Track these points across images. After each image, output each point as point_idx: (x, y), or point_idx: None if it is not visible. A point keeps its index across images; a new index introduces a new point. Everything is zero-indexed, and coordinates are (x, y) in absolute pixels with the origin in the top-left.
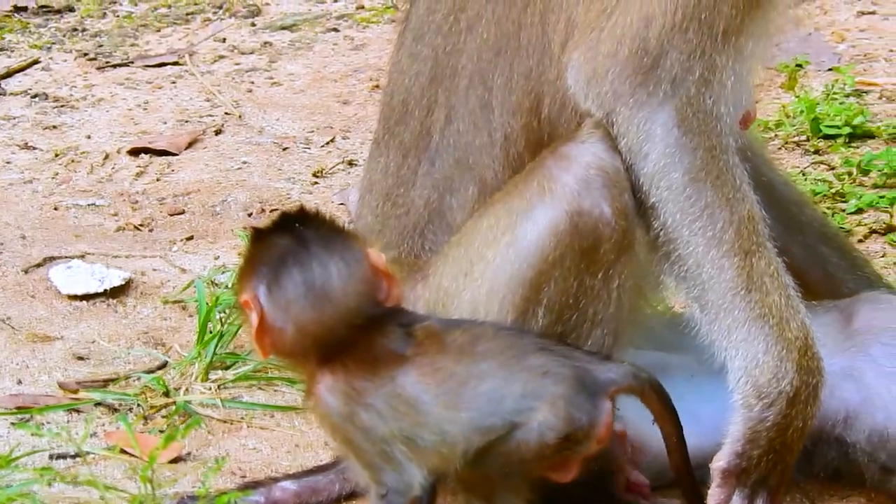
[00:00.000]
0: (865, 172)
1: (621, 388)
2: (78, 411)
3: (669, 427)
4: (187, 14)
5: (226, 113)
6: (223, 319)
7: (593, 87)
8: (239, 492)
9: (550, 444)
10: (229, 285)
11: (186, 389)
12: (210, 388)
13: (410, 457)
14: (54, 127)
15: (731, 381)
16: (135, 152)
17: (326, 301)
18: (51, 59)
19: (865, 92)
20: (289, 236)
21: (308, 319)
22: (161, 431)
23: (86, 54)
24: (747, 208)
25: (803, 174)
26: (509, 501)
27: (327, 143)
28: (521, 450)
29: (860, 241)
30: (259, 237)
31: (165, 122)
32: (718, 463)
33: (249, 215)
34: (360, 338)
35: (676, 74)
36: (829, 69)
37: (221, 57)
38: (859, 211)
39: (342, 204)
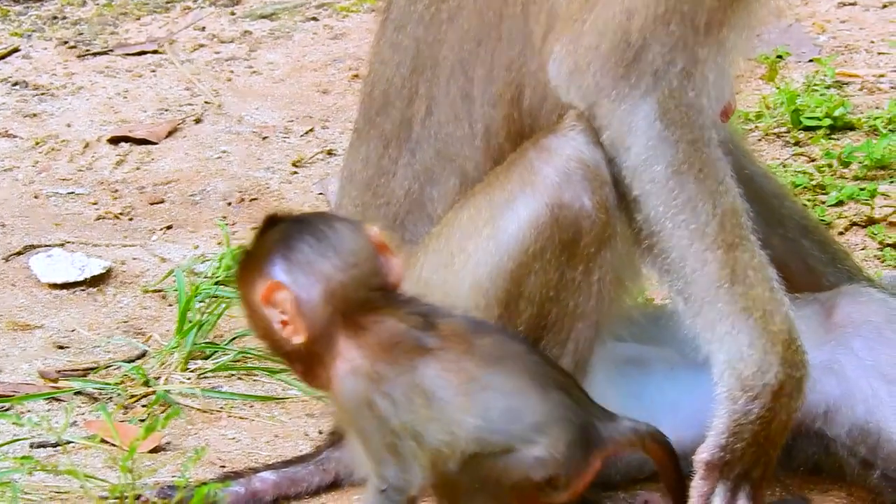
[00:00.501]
0: (846, 164)
1: (620, 446)
2: (58, 400)
3: (670, 474)
4: (167, 2)
5: (205, 102)
6: (203, 309)
7: (575, 79)
8: (219, 483)
9: (533, 479)
10: (227, 286)
11: (166, 379)
12: (190, 378)
13: (416, 454)
14: (34, 115)
15: (715, 375)
16: (115, 141)
17: (343, 257)
18: (31, 46)
19: (846, 83)
20: (284, 225)
21: (332, 280)
22: (141, 421)
23: (66, 42)
24: (730, 201)
25: (784, 166)
26: None
27: (307, 132)
28: (505, 472)
29: (841, 233)
30: (255, 239)
31: (145, 111)
32: (702, 455)
33: (229, 204)
34: (381, 319)
35: (658, 67)
36: (810, 60)
37: (201, 46)
38: (840, 203)
39: (321, 194)
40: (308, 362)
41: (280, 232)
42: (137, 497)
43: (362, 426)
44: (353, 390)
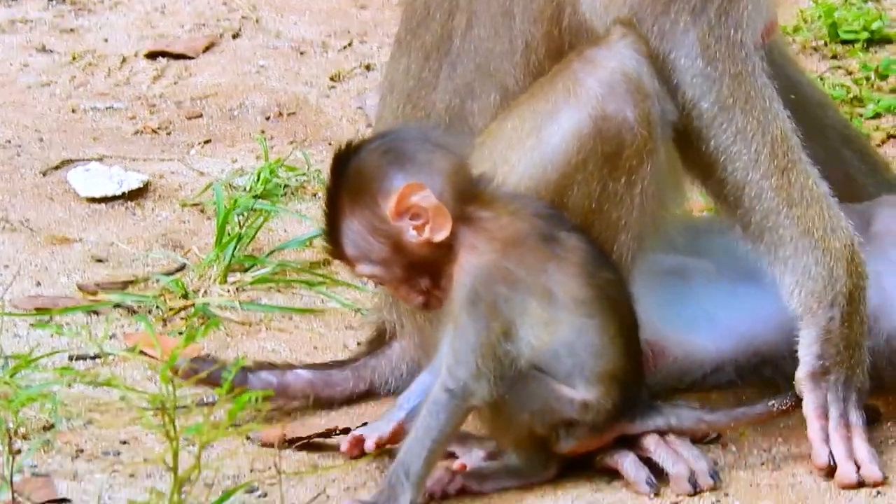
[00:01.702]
0: (883, 77)
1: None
2: (97, 313)
3: None
4: None
5: (242, 17)
6: (241, 222)
7: (612, 12)
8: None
9: (567, 417)
10: (265, 199)
11: (205, 292)
12: (228, 291)
13: (494, 367)
14: (71, 30)
15: (784, 296)
16: (152, 56)
17: (447, 150)
18: None
19: None
20: (374, 144)
21: (449, 172)
22: (180, 333)
23: None
24: (780, 126)
25: (821, 79)
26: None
27: (344, 47)
28: (551, 400)
29: (878, 145)
30: (342, 172)
31: (183, 26)
32: (804, 370)
33: (267, 119)
34: (500, 216)
35: (696, 4)
36: None
37: None
38: (877, 116)
39: (360, 108)
40: (434, 268)
41: (377, 149)
42: (177, 406)
43: (466, 322)
44: (475, 283)
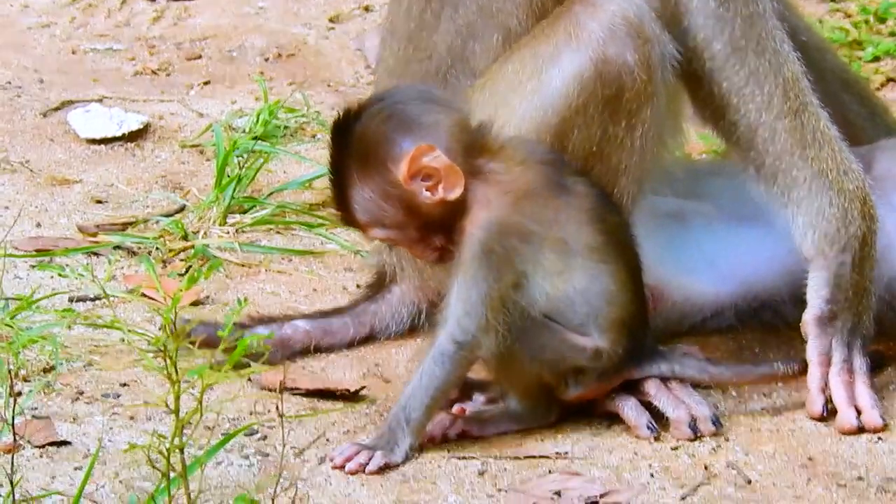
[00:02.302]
0: (882, 20)
1: (642, 376)
2: (97, 254)
3: None
4: None
5: None
6: (241, 164)
7: None
8: (249, 328)
9: (578, 363)
10: (265, 140)
11: (205, 233)
12: (228, 233)
13: (502, 318)
14: None
15: (797, 237)
16: None
17: (449, 107)
18: None
19: None
20: (377, 107)
21: (455, 128)
22: (180, 275)
23: None
24: (791, 68)
25: (820, 22)
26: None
27: None
28: (563, 347)
29: (877, 88)
30: (346, 137)
31: None
32: (811, 313)
33: (266, 60)
34: (509, 167)
35: None
36: None
37: None
38: (876, 59)
39: (358, 49)
40: (448, 225)
41: (379, 115)
42: (179, 348)
43: (476, 274)
44: (489, 237)
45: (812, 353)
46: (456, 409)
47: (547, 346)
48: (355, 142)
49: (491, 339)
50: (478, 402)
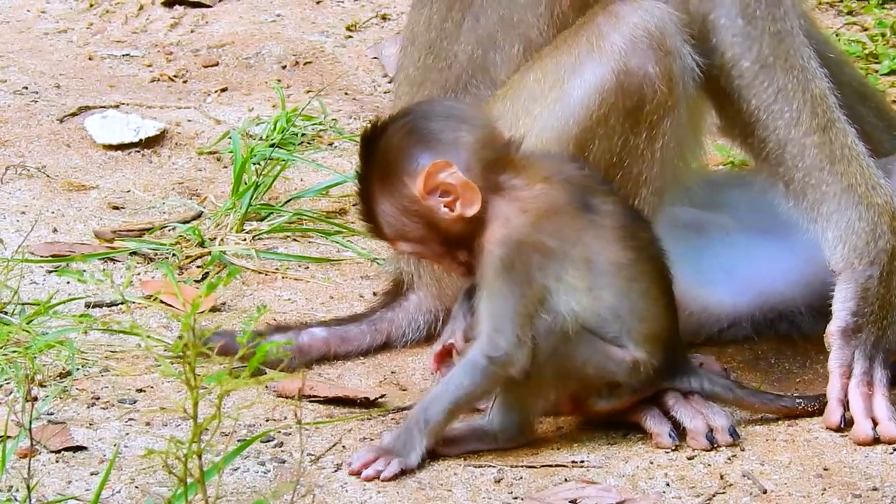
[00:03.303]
0: None
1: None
2: (113, 260)
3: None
4: None
5: None
6: (258, 171)
7: None
8: (282, 341)
9: (614, 378)
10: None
11: (221, 240)
12: (245, 240)
13: (530, 335)
14: None
15: (827, 251)
16: (169, 4)
17: (471, 123)
18: None
19: None
20: (398, 124)
21: (475, 145)
22: (196, 282)
23: None
24: (819, 85)
25: (836, 35)
26: (536, 404)
27: None
28: (596, 361)
29: (893, 101)
30: (371, 152)
31: None
32: (836, 325)
33: (283, 67)
34: (533, 183)
35: None
36: None
37: None
38: (892, 72)
39: (375, 58)
40: (470, 240)
41: (400, 130)
42: (198, 354)
43: (500, 290)
44: (506, 253)
45: (834, 364)
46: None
47: (589, 360)
48: (379, 155)
49: (524, 356)
50: None
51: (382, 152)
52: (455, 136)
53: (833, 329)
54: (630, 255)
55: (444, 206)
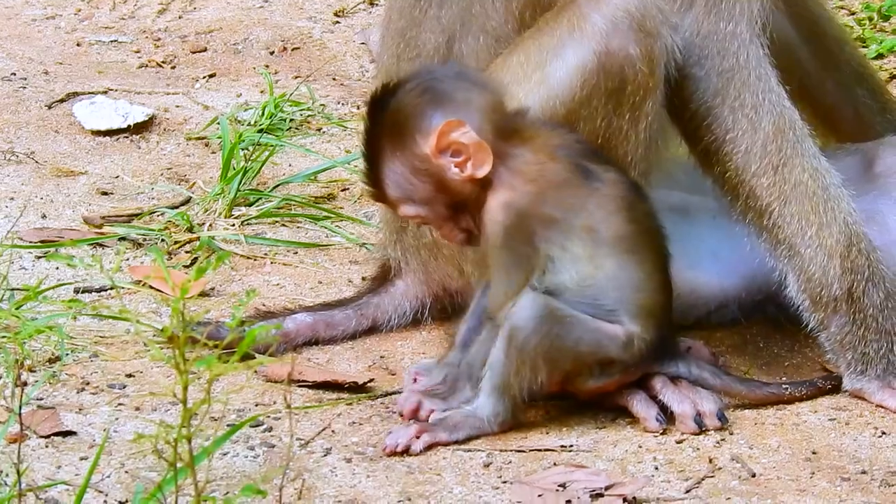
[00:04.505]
0: (886, 18)
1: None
2: (102, 245)
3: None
4: None
5: None
6: (247, 156)
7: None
8: (272, 325)
9: (607, 354)
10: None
11: (210, 225)
12: (234, 225)
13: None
14: None
15: (795, 300)
16: None
17: (481, 86)
18: None
19: None
20: (410, 84)
21: (486, 107)
22: (185, 267)
23: None
24: (773, 121)
25: None
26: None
27: None
28: (590, 336)
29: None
30: (379, 113)
31: None
32: (846, 382)
33: (271, 53)
34: (538, 152)
35: (682, 2)
36: None
37: None
38: (880, 56)
39: (363, 43)
40: (476, 206)
41: (413, 90)
42: (188, 339)
43: (502, 258)
44: (507, 222)
45: (874, 399)
46: (425, 411)
47: (582, 338)
48: (389, 115)
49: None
50: (439, 407)
51: (394, 111)
52: (467, 97)
53: (847, 387)
54: (630, 226)
55: (455, 167)
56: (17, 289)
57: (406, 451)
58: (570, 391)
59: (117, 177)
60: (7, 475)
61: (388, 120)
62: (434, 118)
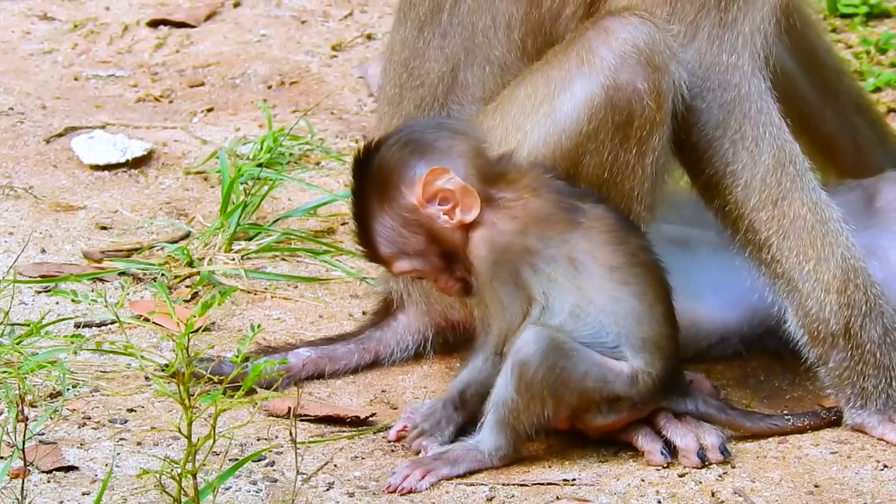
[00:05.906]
0: (883, 51)
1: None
2: (102, 280)
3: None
4: None
5: None
6: (246, 190)
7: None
8: (276, 360)
9: (613, 390)
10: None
11: (210, 260)
12: (234, 259)
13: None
14: None
15: (792, 330)
16: (153, 24)
17: (464, 134)
18: None
19: None
20: (394, 139)
21: (470, 155)
22: (185, 301)
23: None
24: (773, 154)
25: None
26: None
27: (345, 16)
28: (594, 372)
29: None
30: (364, 169)
31: None
32: (847, 418)
33: (269, 88)
34: (523, 194)
35: (685, 33)
36: None
37: None
38: (877, 90)
39: (361, 77)
40: (464, 250)
41: (395, 144)
42: (191, 374)
43: (501, 296)
44: (491, 255)
45: (876, 433)
46: (417, 444)
47: (587, 373)
48: (374, 172)
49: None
50: (436, 442)
51: (378, 167)
52: (450, 145)
53: (848, 423)
54: (622, 258)
55: (444, 214)
56: (18, 324)
57: (410, 492)
58: (579, 428)
59: (116, 211)
60: None
61: (373, 177)
62: (418, 168)
